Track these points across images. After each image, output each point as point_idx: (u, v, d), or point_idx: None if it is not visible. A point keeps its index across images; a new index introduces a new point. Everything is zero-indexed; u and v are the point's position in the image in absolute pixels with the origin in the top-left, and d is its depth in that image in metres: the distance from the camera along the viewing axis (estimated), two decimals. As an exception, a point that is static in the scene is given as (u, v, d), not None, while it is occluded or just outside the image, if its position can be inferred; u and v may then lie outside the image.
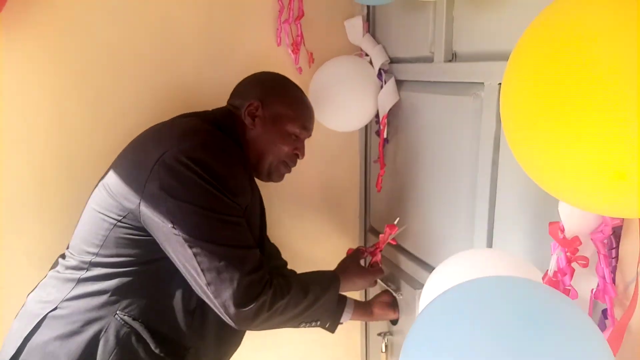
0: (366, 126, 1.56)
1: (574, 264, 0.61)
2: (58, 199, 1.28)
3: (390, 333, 1.52)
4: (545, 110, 0.49)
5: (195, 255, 0.94)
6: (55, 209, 1.28)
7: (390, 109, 1.34)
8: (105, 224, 1.00)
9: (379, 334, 1.53)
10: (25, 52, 1.19)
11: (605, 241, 0.59)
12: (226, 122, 1.12)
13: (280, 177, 1.21)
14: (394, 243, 1.38)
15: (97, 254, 1.00)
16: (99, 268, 1.00)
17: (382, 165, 1.40)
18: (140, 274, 1.00)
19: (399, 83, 1.35)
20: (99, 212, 1.02)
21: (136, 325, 0.98)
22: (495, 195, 1.01)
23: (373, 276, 1.29)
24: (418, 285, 1.34)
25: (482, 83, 1.02)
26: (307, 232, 1.61)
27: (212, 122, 1.10)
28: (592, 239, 0.59)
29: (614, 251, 0.61)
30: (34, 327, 0.98)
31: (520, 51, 0.56)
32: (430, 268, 1.31)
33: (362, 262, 1.36)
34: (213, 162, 0.97)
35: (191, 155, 0.96)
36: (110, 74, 1.28)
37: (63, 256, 1.09)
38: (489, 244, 1.04)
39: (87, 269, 1.00)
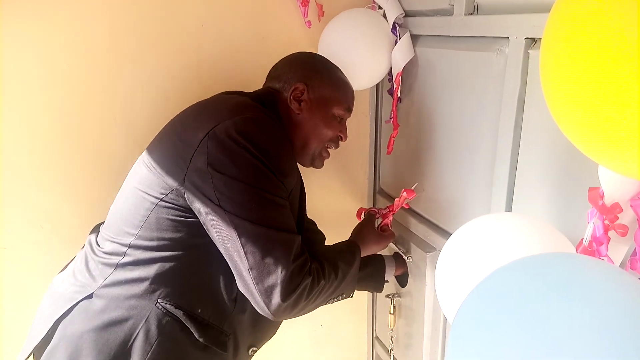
0: (378, 84, 1.49)
1: (610, 233, 0.58)
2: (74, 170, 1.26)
3: (399, 295, 1.52)
4: (592, 70, 0.44)
5: (239, 236, 0.88)
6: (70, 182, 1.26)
7: (405, 66, 1.28)
8: (146, 203, 0.95)
9: (387, 296, 1.53)
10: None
11: (647, 209, 0.55)
12: (270, 103, 1.08)
13: (322, 163, 1.19)
14: (407, 207, 1.35)
15: (136, 236, 0.95)
16: (138, 251, 0.94)
17: (396, 125, 1.35)
18: (182, 260, 0.95)
19: (415, 38, 1.28)
20: (140, 190, 0.97)
21: (179, 314, 0.94)
22: (517, 159, 0.97)
23: (387, 241, 1.27)
24: (429, 249, 1.32)
25: (507, 38, 0.95)
26: (314, 193, 1.58)
27: (257, 101, 1.06)
28: (631, 206, 0.56)
29: (651, 219, 0.58)
30: (66, 311, 0.94)
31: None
32: (442, 231, 1.29)
33: None
34: (265, 139, 0.93)
35: (243, 130, 0.91)
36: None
37: (97, 235, 1.05)
38: (508, 210, 1.01)
39: (126, 253, 0.95)
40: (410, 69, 1.29)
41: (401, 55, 1.27)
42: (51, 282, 1.06)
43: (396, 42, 1.28)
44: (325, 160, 1.19)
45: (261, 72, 1.39)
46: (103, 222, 1.09)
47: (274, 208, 0.92)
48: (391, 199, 1.55)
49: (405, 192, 1.27)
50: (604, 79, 0.40)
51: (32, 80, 1.15)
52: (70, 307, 0.94)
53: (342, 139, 1.18)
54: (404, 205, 1.31)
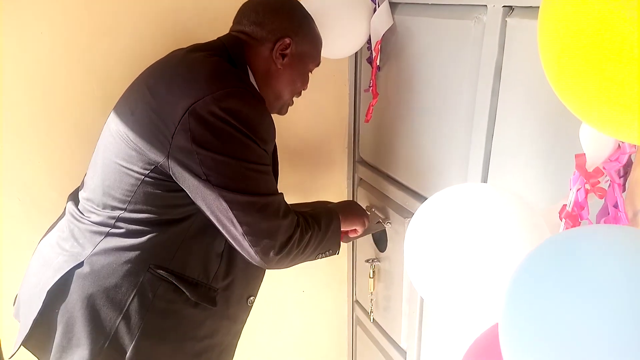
0: (357, 53, 1.49)
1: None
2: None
3: (378, 259, 1.57)
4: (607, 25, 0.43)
5: (231, 208, 0.93)
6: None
7: (384, 34, 1.28)
8: (131, 179, 0.96)
9: (367, 261, 1.57)
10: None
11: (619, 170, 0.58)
12: (239, 56, 1.04)
13: (286, 111, 1.21)
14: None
15: (125, 210, 0.97)
16: (128, 224, 0.97)
17: (375, 94, 1.36)
18: (172, 229, 0.99)
19: (393, 6, 1.27)
20: (122, 166, 0.97)
21: (171, 277, 0.98)
22: (494, 127, 1.00)
23: (364, 216, 1.30)
24: (407, 214, 1.36)
25: (485, 6, 0.97)
26: (294, 163, 1.59)
27: (227, 58, 1.03)
28: (605, 168, 0.59)
29: (622, 179, 0.62)
30: (57, 281, 0.96)
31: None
32: (420, 197, 1.33)
33: None
34: (247, 110, 0.94)
35: (224, 106, 0.91)
36: None
37: (76, 204, 1.04)
38: (484, 176, 1.05)
39: (114, 225, 0.97)
40: (389, 37, 1.30)
41: (380, 23, 1.27)
42: (37, 248, 1.06)
43: (375, 9, 1.28)
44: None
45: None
46: (79, 189, 1.08)
47: (259, 176, 0.97)
48: (370, 167, 1.57)
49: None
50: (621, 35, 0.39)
51: (6, 52, 1.11)
52: (61, 277, 0.96)
53: (304, 89, 1.19)
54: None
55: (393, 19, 1.27)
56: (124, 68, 1.24)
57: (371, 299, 1.63)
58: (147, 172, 0.95)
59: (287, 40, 1.06)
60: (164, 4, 1.25)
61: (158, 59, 1.27)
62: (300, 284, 1.79)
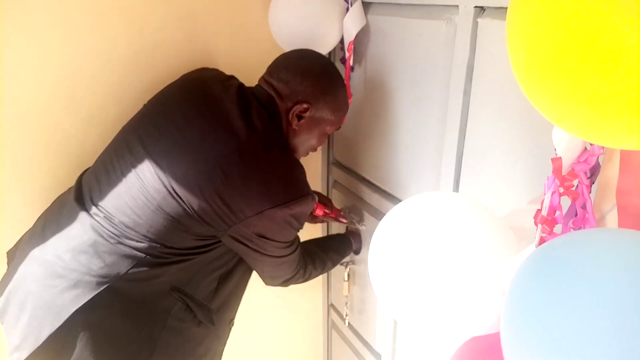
0: (330, 53, 1.47)
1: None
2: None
3: (353, 262, 1.56)
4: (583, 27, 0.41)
5: (263, 264, 1.14)
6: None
7: (357, 35, 1.27)
8: (183, 234, 1.02)
9: (342, 264, 1.56)
10: None
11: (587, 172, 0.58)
12: (275, 114, 1.09)
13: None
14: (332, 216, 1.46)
15: (166, 246, 1.02)
16: (164, 254, 1.02)
17: (349, 95, 1.34)
18: (194, 259, 1.07)
19: (366, 5, 1.26)
20: (178, 223, 1.00)
21: (186, 299, 1.07)
22: (466, 127, 0.99)
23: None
24: (381, 216, 1.34)
25: (457, 6, 0.96)
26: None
27: (271, 118, 1.07)
28: (575, 170, 0.58)
29: (589, 181, 0.61)
30: (86, 302, 0.95)
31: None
32: (394, 199, 1.32)
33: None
34: (307, 212, 1.10)
35: (292, 212, 1.04)
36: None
37: (103, 222, 0.99)
38: (457, 177, 1.04)
39: (149, 254, 1.00)
40: (362, 37, 1.28)
41: (353, 23, 1.25)
42: (34, 254, 1.01)
43: (347, 9, 1.26)
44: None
45: (211, 41, 1.35)
46: (96, 203, 1.02)
47: (292, 247, 1.14)
48: (345, 169, 1.56)
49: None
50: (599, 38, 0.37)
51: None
52: (91, 298, 0.95)
53: (320, 145, 1.25)
54: (340, 218, 1.46)
55: (366, 18, 1.26)
56: (93, 70, 1.20)
57: (346, 303, 1.62)
58: (200, 233, 1.03)
59: (305, 105, 1.09)
60: (135, 12, 1.22)
61: (130, 58, 1.23)
62: (275, 288, 1.75)
